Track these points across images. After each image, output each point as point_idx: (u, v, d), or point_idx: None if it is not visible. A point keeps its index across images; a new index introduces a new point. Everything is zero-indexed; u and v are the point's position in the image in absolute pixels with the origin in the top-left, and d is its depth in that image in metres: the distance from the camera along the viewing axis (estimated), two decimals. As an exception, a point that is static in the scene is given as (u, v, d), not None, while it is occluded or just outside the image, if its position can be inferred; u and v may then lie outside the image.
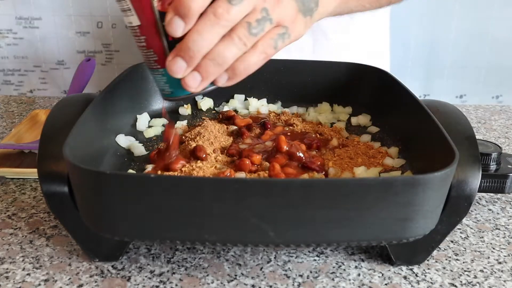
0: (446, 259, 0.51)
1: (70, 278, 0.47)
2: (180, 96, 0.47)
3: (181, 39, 0.43)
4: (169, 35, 0.43)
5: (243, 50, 0.44)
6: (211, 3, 0.42)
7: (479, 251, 0.52)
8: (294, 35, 0.48)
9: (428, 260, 0.50)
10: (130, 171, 0.54)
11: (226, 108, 0.70)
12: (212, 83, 0.46)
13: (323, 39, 0.90)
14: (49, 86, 1.36)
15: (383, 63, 0.94)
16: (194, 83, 0.44)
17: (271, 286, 0.47)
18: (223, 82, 0.45)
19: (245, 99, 0.71)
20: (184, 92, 0.46)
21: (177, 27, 0.42)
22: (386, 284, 0.47)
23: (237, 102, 0.70)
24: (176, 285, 0.47)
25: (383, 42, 1.01)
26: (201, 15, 0.42)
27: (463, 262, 0.51)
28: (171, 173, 0.52)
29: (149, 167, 0.53)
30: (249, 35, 0.43)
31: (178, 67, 0.43)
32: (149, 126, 0.64)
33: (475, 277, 0.49)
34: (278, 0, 0.46)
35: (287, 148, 0.54)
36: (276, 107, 0.70)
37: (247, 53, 0.44)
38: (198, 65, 0.43)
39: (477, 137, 0.49)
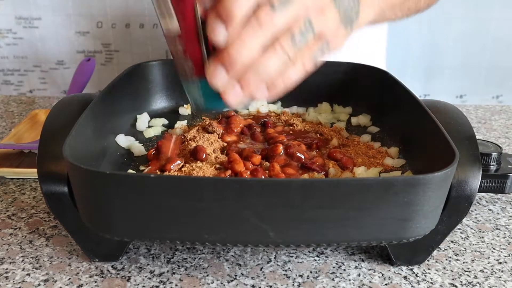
0: (446, 259, 0.51)
1: (70, 278, 0.47)
2: (214, 109, 0.45)
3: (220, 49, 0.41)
4: (209, 44, 0.41)
5: (286, 62, 0.41)
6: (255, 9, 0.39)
7: (479, 251, 0.52)
8: (333, 48, 0.45)
9: (428, 260, 0.50)
10: (130, 171, 0.54)
11: (226, 108, 0.69)
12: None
13: None
14: (49, 86, 1.36)
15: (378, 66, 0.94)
16: (235, 95, 0.41)
17: (271, 286, 0.47)
18: (261, 96, 0.42)
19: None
20: (219, 105, 0.44)
21: (219, 33, 0.39)
22: (386, 284, 0.47)
23: (237, 102, 0.70)
24: (176, 285, 0.47)
25: (380, 46, 1.02)
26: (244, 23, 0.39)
27: (463, 262, 0.51)
28: (170, 173, 0.52)
29: (146, 169, 0.54)
30: (292, 46, 0.41)
31: (219, 76, 0.40)
32: (149, 126, 0.64)
33: (476, 277, 0.49)
34: (322, 10, 0.42)
35: (282, 153, 0.54)
36: (276, 107, 0.70)
37: (287, 67, 0.42)
38: (239, 76, 0.41)
39: (477, 137, 0.49)
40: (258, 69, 0.40)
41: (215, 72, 0.40)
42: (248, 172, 0.51)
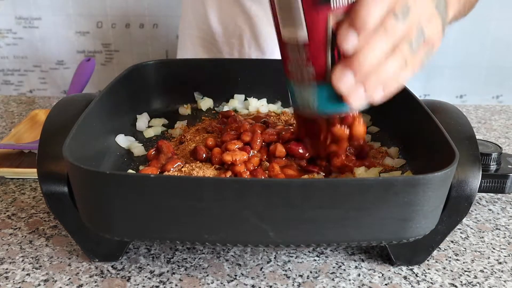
0: (446, 259, 0.51)
1: (69, 278, 0.47)
2: (325, 112, 0.47)
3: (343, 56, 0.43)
4: (337, 50, 0.43)
5: (402, 66, 0.44)
6: None
7: (479, 251, 0.52)
8: (435, 50, 0.47)
9: (428, 260, 0.50)
10: (130, 171, 0.54)
11: (226, 108, 0.70)
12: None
13: None
14: (49, 86, 1.36)
15: None
16: (358, 97, 0.44)
17: (271, 286, 0.47)
18: (378, 98, 0.45)
19: (245, 99, 0.71)
20: (333, 108, 0.46)
21: (351, 41, 0.42)
22: (386, 284, 0.47)
23: (237, 102, 0.70)
24: (176, 285, 0.47)
25: None
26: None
27: (463, 262, 0.51)
28: (170, 173, 0.52)
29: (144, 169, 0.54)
30: (409, 51, 0.44)
31: (346, 81, 0.43)
32: (149, 126, 0.64)
33: (475, 277, 0.49)
34: (430, 17, 0.45)
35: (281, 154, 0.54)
36: (276, 107, 0.70)
37: (400, 70, 0.44)
38: (363, 80, 0.43)
39: (477, 137, 0.49)
40: (380, 72, 0.43)
41: (343, 76, 0.43)
42: (248, 173, 0.51)
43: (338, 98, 0.44)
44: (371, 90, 0.44)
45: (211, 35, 0.92)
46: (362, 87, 0.43)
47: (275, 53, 0.86)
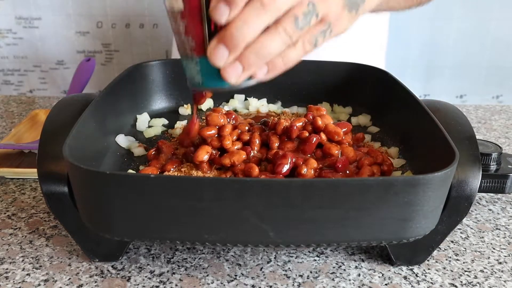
0: (446, 259, 0.51)
1: (70, 278, 0.47)
2: (211, 87, 0.45)
3: (222, 29, 0.41)
4: (212, 23, 0.41)
5: (287, 44, 0.42)
6: None
7: (479, 251, 0.52)
8: (335, 31, 0.45)
9: (428, 260, 0.50)
10: (130, 171, 0.54)
11: (226, 108, 0.70)
12: (249, 78, 0.44)
13: None
14: (49, 86, 1.36)
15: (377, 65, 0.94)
16: (235, 74, 0.42)
17: (271, 286, 0.47)
18: (261, 76, 0.44)
19: (245, 99, 0.71)
20: (217, 83, 0.44)
21: (222, 13, 0.39)
22: (386, 284, 0.47)
23: (237, 102, 0.70)
24: (176, 285, 0.47)
25: (380, 45, 1.01)
26: (247, 4, 0.40)
27: (464, 262, 0.51)
28: (170, 173, 0.52)
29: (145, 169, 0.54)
30: (295, 28, 0.41)
31: (220, 55, 0.41)
32: (149, 126, 0.64)
33: (476, 277, 0.49)
34: None
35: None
36: (276, 107, 0.70)
37: (288, 48, 0.42)
38: (240, 55, 0.41)
39: (477, 137, 0.49)
40: (260, 48, 0.41)
41: (216, 50, 0.41)
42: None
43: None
44: (249, 67, 0.42)
45: None
46: (238, 63, 0.41)
47: None
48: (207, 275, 0.48)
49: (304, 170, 0.49)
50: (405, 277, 0.48)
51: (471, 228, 0.57)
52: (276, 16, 0.40)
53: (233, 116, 0.59)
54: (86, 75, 0.83)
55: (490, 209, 0.60)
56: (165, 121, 0.65)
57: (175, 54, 1.02)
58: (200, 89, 0.47)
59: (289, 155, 0.50)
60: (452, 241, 0.54)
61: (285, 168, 0.49)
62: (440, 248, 0.53)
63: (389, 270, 0.49)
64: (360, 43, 0.94)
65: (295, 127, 0.53)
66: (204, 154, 0.51)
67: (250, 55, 0.41)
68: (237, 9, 0.39)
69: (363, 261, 0.50)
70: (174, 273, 0.48)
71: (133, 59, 1.33)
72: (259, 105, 0.70)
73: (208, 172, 0.52)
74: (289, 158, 0.49)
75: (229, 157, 0.51)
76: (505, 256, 0.52)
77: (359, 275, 0.48)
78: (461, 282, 0.48)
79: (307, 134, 0.53)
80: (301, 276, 0.48)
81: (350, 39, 0.92)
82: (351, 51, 0.92)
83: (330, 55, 0.89)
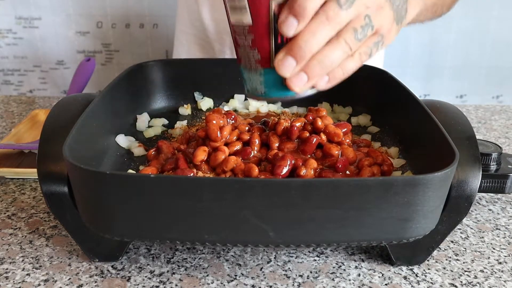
0: (446, 259, 0.51)
1: (70, 278, 0.47)
2: (274, 97, 0.47)
3: (287, 42, 0.44)
4: (279, 36, 0.44)
5: (348, 54, 0.45)
6: (322, 5, 0.43)
7: (479, 251, 0.52)
8: (386, 42, 0.49)
9: (428, 260, 0.50)
10: (130, 171, 0.54)
11: (226, 108, 0.70)
12: (311, 88, 0.46)
13: None
14: (49, 86, 1.36)
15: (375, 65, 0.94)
16: (300, 83, 0.45)
17: (271, 286, 0.47)
18: (322, 85, 0.46)
19: (245, 99, 0.71)
20: (280, 93, 0.46)
21: (291, 26, 0.42)
22: (386, 284, 0.47)
23: (237, 102, 0.70)
24: (176, 285, 0.47)
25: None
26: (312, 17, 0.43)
27: (463, 262, 0.51)
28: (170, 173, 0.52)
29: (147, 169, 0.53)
30: (354, 40, 0.45)
31: (288, 66, 0.44)
32: (149, 126, 0.64)
33: (475, 277, 0.49)
34: (379, 8, 0.46)
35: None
36: (276, 107, 0.70)
37: (346, 58, 0.45)
38: (305, 66, 0.44)
39: (477, 137, 0.49)
40: (323, 59, 0.44)
41: (284, 61, 0.44)
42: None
43: (284, 83, 0.45)
44: (313, 76, 0.44)
45: (204, 32, 0.93)
46: (303, 73, 0.44)
47: None
48: (207, 275, 0.48)
49: (303, 172, 0.49)
50: (405, 277, 0.48)
51: (471, 228, 0.57)
52: (338, 28, 0.44)
53: (233, 116, 0.59)
54: (86, 75, 0.83)
55: (490, 209, 0.60)
56: (165, 121, 0.65)
57: (175, 54, 1.02)
58: (261, 98, 0.48)
59: (288, 157, 0.50)
60: (452, 241, 0.54)
61: (284, 170, 0.49)
62: (440, 248, 0.53)
63: (389, 270, 0.49)
64: None
65: (295, 128, 0.53)
66: (202, 155, 0.51)
67: (315, 65, 0.44)
68: (305, 22, 0.42)
69: (363, 261, 0.50)
70: (174, 273, 0.48)
71: (133, 59, 1.33)
72: (259, 105, 0.70)
73: (208, 172, 0.52)
74: (288, 160, 0.49)
75: (224, 165, 0.51)
76: (505, 256, 0.52)
77: (359, 275, 0.49)
78: (461, 282, 0.48)
79: (307, 135, 0.53)
80: (301, 276, 0.48)
81: None
82: None
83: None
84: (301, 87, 0.45)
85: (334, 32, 0.43)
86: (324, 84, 0.46)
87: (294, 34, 0.43)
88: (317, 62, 0.44)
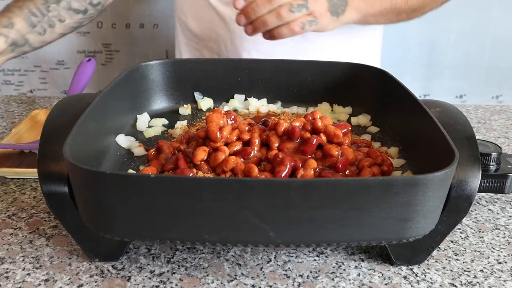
0: (446, 259, 0.51)
1: (70, 278, 0.47)
2: None
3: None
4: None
5: (282, 22, 0.70)
6: None
7: (479, 251, 0.53)
8: (320, 25, 0.73)
9: (428, 260, 0.50)
10: (130, 171, 0.54)
11: (226, 108, 0.70)
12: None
13: (317, 40, 0.92)
14: (49, 86, 1.36)
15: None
16: (249, 30, 0.72)
17: (271, 286, 0.47)
18: (265, 37, 0.73)
19: (245, 99, 0.71)
20: None
21: (239, 3, 0.72)
22: (386, 284, 0.47)
23: (237, 102, 0.70)
24: (176, 285, 0.47)
25: (375, 46, 1.02)
26: None
27: (463, 262, 0.51)
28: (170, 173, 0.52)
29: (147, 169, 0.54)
30: (288, 12, 0.69)
31: (241, 20, 0.72)
32: (149, 126, 0.64)
33: (475, 277, 0.49)
34: None
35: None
36: (276, 107, 0.70)
37: (283, 25, 0.70)
38: (252, 22, 0.71)
39: (477, 137, 0.49)
40: (263, 21, 0.70)
41: (239, 17, 0.72)
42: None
43: None
44: (257, 30, 0.71)
45: (194, 40, 0.97)
46: (250, 26, 0.72)
47: (252, 53, 0.92)
48: (207, 275, 0.48)
49: (300, 174, 0.49)
50: (405, 277, 0.48)
51: (471, 228, 0.57)
52: (278, 4, 0.69)
53: (233, 117, 0.59)
54: (87, 75, 0.83)
55: (489, 209, 0.60)
56: (165, 121, 0.65)
57: (176, 54, 1.02)
58: None
59: (287, 160, 0.49)
60: (451, 241, 0.54)
61: (283, 174, 0.49)
62: (439, 248, 0.53)
63: (389, 270, 0.49)
64: (354, 44, 0.95)
65: (297, 129, 0.53)
66: (202, 155, 0.51)
67: (258, 23, 0.71)
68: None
69: (363, 261, 0.50)
70: (174, 273, 0.48)
71: (133, 59, 1.33)
72: (259, 105, 0.70)
73: (208, 172, 0.52)
74: (287, 164, 0.49)
75: (224, 165, 0.51)
76: (504, 256, 0.52)
77: (359, 275, 0.49)
78: (461, 282, 0.48)
79: (308, 135, 0.53)
80: (301, 276, 0.48)
81: (346, 39, 0.93)
82: (348, 52, 0.93)
83: (330, 55, 0.90)
84: (250, 33, 0.72)
85: (274, 6, 0.69)
86: (267, 36, 0.72)
87: (241, 8, 0.71)
88: (259, 21, 0.70)
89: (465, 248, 0.53)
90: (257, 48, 0.90)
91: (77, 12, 0.84)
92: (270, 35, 0.71)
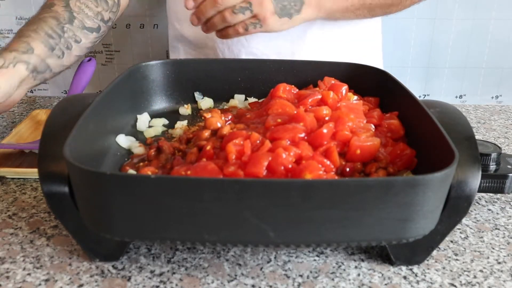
0: (446, 259, 0.51)
1: (70, 278, 0.47)
2: None
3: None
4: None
5: (226, 24, 0.74)
6: None
7: (478, 251, 0.53)
8: (265, 27, 0.76)
9: (427, 260, 0.51)
10: (131, 171, 0.54)
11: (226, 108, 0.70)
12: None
13: (316, 40, 0.92)
14: (50, 86, 1.36)
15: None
16: (203, 29, 0.77)
17: (271, 286, 0.47)
18: (218, 35, 0.78)
19: (245, 99, 0.71)
20: None
21: (189, 3, 0.74)
22: (386, 284, 0.47)
23: (237, 102, 0.70)
24: (176, 285, 0.47)
25: (375, 46, 1.02)
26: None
27: (463, 262, 0.51)
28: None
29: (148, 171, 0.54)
30: (232, 15, 0.73)
31: (194, 21, 0.76)
32: (149, 126, 0.64)
33: (475, 277, 0.49)
34: (261, 2, 0.73)
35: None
36: (276, 107, 0.70)
37: (229, 27, 0.75)
38: (205, 22, 0.75)
39: (476, 137, 0.49)
40: (212, 22, 0.74)
41: (192, 18, 0.76)
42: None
43: None
44: (208, 29, 0.76)
45: (190, 46, 0.98)
46: (204, 25, 0.76)
47: (248, 58, 0.91)
48: (207, 275, 0.48)
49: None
50: (404, 277, 0.48)
51: (471, 228, 0.57)
52: (224, 7, 0.72)
53: (230, 117, 0.59)
54: (87, 75, 0.83)
55: (489, 209, 0.60)
56: (166, 121, 0.65)
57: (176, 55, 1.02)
58: None
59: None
60: (451, 241, 0.54)
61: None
62: (439, 248, 0.53)
63: (389, 270, 0.49)
64: (354, 44, 0.95)
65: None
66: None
67: (209, 24, 0.75)
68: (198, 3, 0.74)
69: (363, 261, 0.50)
70: (174, 273, 0.48)
71: (133, 59, 1.33)
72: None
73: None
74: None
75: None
76: (504, 256, 0.52)
77: (359, 275, 0.49)
78: (461, 282, 0.48)
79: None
80: (301, 276, 0.48)
81: (346, 40, 0.93)
82: (348, 53, 0.93)
83: (330, 56, 0.90)
84: (205, 32, 0.77)
85: (220, 9, 0.72)
86: (219, 35, 0.77)
87: (191, 8, 0.75)
88: (209, 23, 0.75)
89: (464, 248, 0.53)
90: (254, 54, 0.90)
91: (91, 31, 0.82)
92: (221, 34, 0.76)
